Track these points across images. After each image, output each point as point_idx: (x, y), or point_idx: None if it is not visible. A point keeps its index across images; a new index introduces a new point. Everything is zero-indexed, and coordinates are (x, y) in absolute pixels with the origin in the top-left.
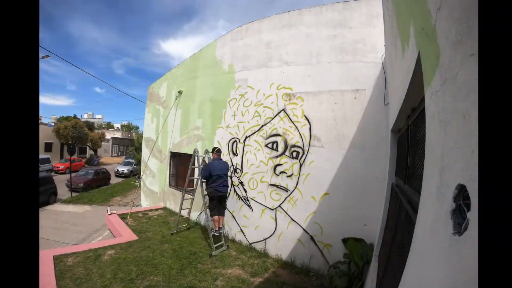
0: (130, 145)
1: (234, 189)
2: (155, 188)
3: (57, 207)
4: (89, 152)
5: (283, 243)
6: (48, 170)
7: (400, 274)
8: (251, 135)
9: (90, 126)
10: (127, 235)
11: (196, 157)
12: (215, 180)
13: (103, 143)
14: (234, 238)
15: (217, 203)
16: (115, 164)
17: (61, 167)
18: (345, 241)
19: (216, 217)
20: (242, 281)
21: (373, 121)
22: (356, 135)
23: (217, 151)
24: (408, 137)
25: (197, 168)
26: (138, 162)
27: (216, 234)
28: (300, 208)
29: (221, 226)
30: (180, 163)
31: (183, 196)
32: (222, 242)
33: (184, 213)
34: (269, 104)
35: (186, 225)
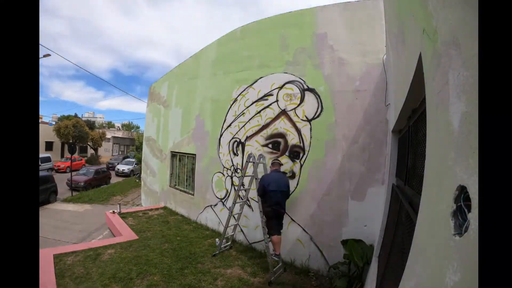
0: (131, 145)
1: (235, 189)
2: (155, 188)
3: (57, 206)
4: (90, 151)
5: (283, 243)
6: (48, 169)
7: (400, 275)
8: (252, 135)
9: (90, 125)
10: (127, 234)
11: (253, 164)
12: (272, 196)
13: (103, 142)
14: (234, 238)
15: (275, 222)
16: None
17: (62, 166)
18: (344, 242)
19: (275, 238)
20: (242, 281)
21: (373, 121)
22: (357, 136)
23: (273, 162)
24: (409, 138)
25: (250, 177)
26: (139, 161)
27: (276, 259)
28: (300, 208)
29: (279, 251)
30: (180, 163)
31: (230, 213)
32: (280, 264)
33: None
34: (270, 104)
35: (229, 243)
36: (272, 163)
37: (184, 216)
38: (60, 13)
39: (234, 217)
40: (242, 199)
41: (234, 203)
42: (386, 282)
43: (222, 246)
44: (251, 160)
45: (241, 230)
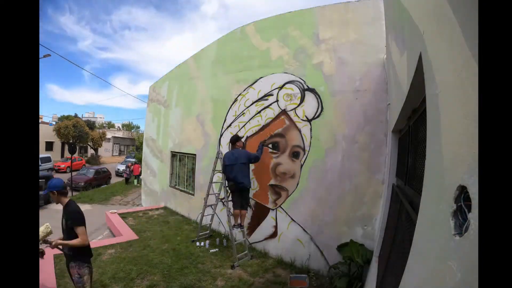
0: (131, 145)
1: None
2: (155, 188)
3: (57, 206)
4: (90, 151)
5: (283, 243)
6: (49, 169)
7: (400, 275)
8: (252, 135)
9: (91, 125)
10: (127, 234)
11: (220, 159)
12: (229, 171)
13: (104, 142)
14: (234, 238)
15: (237, 196)
16: (116, 163)
17: (62, 166)
18: (340, 248)
19: (236, 211)
20: (242, 281)
21: (373, 121)
22: (357, 136)
23: (231, 140)
24: (409, 138)
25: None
26: (139, 162)
27: (236, 229)
28: (300, 208)
29: (242, 223)
30: (180, 163)
31: (205, 203)
32: (246, 251)
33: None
34: (270, 104)
35: (208, 232)
36: (231, 142)
37: (184, 216)
38: None
39: (211, 207)
40: (214, 192)
41: (207, 194)
42: (386, 282)
43: (200, 233)
44: (219, 156)
45: (241, 230)
